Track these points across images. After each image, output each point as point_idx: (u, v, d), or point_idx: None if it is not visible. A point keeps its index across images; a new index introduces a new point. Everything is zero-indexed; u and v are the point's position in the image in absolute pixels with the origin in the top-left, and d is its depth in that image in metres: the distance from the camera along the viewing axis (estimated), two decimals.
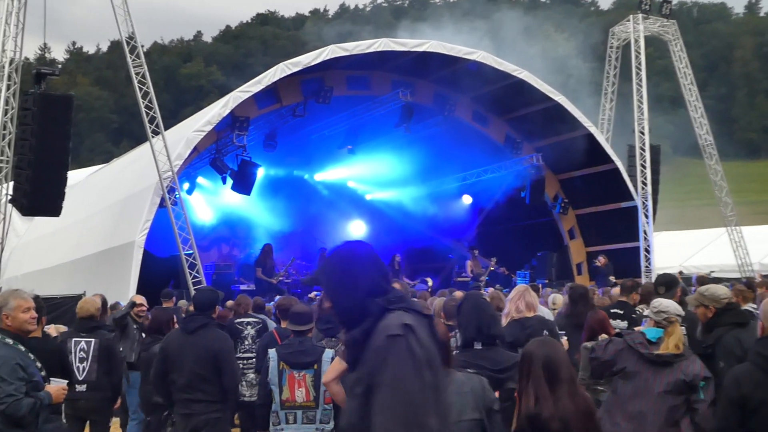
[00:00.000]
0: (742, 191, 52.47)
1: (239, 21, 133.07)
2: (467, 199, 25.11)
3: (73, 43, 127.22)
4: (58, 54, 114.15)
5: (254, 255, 22.09)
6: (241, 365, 9.16)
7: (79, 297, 11.09)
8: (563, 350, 4.36)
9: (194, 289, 14.93)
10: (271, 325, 9.77)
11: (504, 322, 6.74)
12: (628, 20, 24.39)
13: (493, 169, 22.93)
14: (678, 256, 27.26)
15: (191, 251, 16.36)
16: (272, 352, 6.47)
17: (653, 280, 12.46)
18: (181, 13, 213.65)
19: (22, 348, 5.59)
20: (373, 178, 25.26)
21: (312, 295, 16.36)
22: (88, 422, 8.41)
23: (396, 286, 6.22)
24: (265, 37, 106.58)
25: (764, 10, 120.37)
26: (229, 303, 11.82)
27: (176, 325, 8.39)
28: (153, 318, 9.16)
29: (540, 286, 16.00)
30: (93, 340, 8.24)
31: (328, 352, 6.37)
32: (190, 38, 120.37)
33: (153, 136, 15.87)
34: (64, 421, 7.84)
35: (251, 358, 9.43)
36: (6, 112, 14.48)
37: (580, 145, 21.10)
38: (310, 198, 25.43)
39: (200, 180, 21.90)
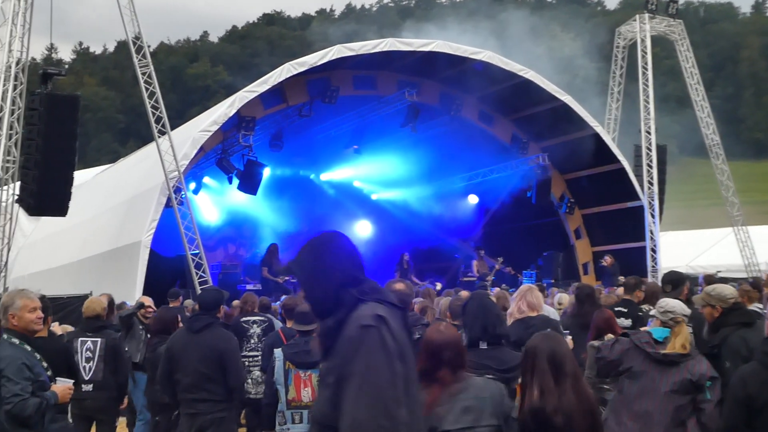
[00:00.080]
0: (749, 191, 52.29)
1: (245, 21, 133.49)
2: (473, 199, 25.08)
3: (80, 44, 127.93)
4: (65, 54, 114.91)
5: (260, 255, 22.10)
6: (246, 363, 9.19)
7: (85, 297, 11.09)
8: (567, 344, 4.37)
9: (200, 289, 14.95)
10: (278, 324, 9.79)
11: (507, 322, 6.74)
12: (635, 20, 24.32)
13: (499, 169, 22.91)
14: (684, 256, 27.17)
15: (197, 251, 16.37)
16: (278, 352, 6.47)
17: (659, 280, 12.43)
18: (188, 14, 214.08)
19: (28, 348, 5.60)
20: (379, 177, 25.26)
21: None
22: (94, 422, 8.42)
23: (400, 285, 6.25)
24: (272, 37, 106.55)
25: None
26: (235, 302, 11.83)
27: (181, 325, 8.40)
28: (158, 318, 9.16)
29: (545, 285, 15.99)
30: (99, 339, 8.26)
31: None
32: (196, 38, 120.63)
33: (159, 136, 15.88)
34: (71, 420, 7.82)
35: (257, 356, 9.45)
36: (12, 112, 14.49)
37: (587, 144, 21.09)
38: (316, 198, 25.41)
39: (206, 180, 21.91)
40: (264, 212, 24.02)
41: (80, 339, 8.26)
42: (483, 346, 5.07)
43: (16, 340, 5.56)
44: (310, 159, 24.44)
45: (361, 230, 26.45)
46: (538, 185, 22.20)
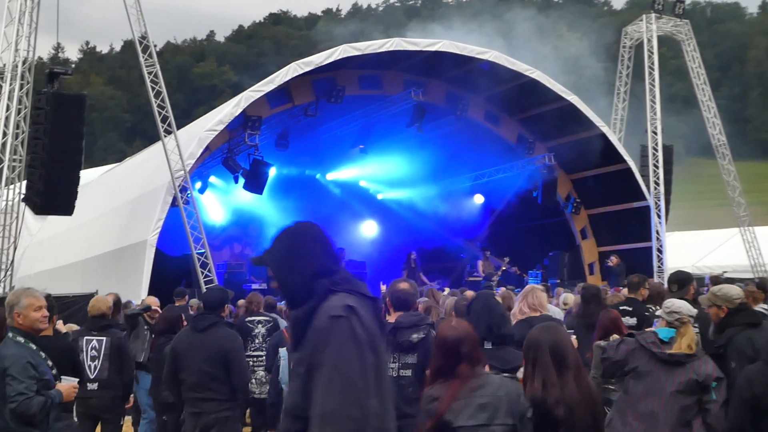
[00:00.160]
0: (756, 191, 52.19)
1: (252, 21, 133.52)
2: (479, 199, 25.05)
3: (87, 43, 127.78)
4: (72, 53, 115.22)
5: None
6: (251, 363, 9.20)
7: (91, 296, 11.10)
8: (568, 336, 4.37)
9: (205, 288, 14.96)
10: (283, 324, 9.82)
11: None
12: (641, 20, 24.30)
13: (505, 169, 22.88)
14: (691, 257, 27.13)
15: (203, 250, 16.39)
16: (283, 352, 6.48)
17: (665, 280, 12.40)
18: (194, 13, 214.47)
19: (33, 346, 5.61)
20: (385, 177, 25.25)
21: None
22: (99, 421, 8.43)
23: (404, 285, 6.23)
24: (278, 37, 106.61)
25: None
26: (241, 302, 11.84)
27: (185, 324, 8.40)
28: (162, 317, 9.17)
29: (551, 285, 15.96)
30: (104, 338, 8.25)
31: None
32: (202, 38, 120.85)
33: (165, 136, 15.90)
34: (76, 419, 7.86)
35: (261, 356, 9.46)
36: (19, 111, 14.53)
37: (593, 144, 21.05)
38: (321, 197, 25.42)
39: (212, 179, 21.95)
40: (270, 212, 24.01)
41: (86, 338, 8.26)
42: (488, 345, 5.07)
43: (21, 339, 5.56)
44: (316, 158, 24.45)
45: (367, 230, 26.47)
46: (544, 185, 22.15)
